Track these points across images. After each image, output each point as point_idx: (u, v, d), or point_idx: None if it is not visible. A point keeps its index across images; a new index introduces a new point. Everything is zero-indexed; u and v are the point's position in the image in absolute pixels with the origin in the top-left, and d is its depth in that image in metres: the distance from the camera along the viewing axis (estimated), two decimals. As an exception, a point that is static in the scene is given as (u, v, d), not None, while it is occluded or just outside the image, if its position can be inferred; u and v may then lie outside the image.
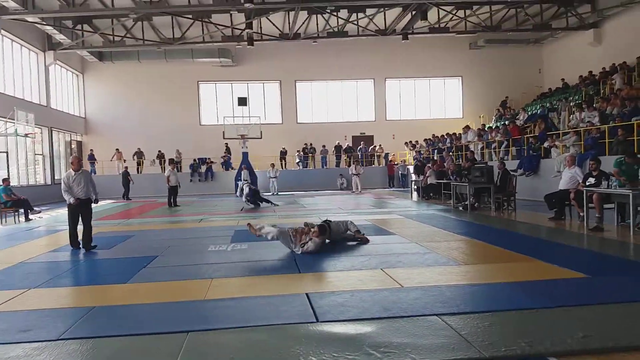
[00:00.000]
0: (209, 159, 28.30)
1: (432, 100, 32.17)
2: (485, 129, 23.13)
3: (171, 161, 21.62)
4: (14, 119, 19.66)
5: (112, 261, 7.67)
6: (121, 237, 10.03)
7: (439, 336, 3.83)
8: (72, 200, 8.47)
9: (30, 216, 14.69)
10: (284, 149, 29.01)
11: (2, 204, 14.24)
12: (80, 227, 8.66)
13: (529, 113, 23.13)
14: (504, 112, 27.16)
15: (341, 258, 7.08)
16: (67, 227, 8.78)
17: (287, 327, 4.20)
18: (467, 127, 23.70)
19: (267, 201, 17.14)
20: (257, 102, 30.93)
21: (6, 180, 15.06)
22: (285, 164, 29.09)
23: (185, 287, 5.80)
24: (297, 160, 29.36)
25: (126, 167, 25.10)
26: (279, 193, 24.64)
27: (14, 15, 19.83)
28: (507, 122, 21.78)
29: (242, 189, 16.57)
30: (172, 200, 18.00)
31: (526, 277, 5.70)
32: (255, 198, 16.64)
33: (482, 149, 21.24)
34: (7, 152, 20.93)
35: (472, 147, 21.55)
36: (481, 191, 13.83)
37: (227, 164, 28.52)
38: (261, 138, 25.93)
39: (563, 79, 26.02)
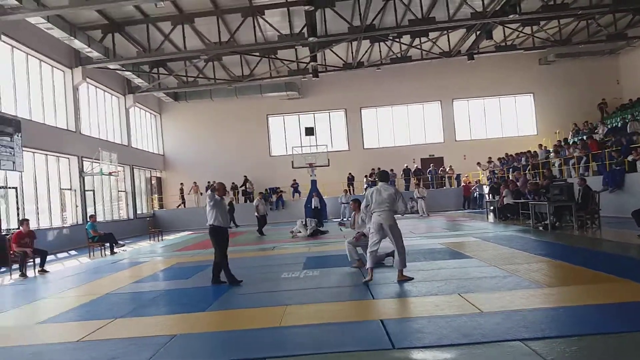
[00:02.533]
0: (279, 188, 28.88)
1: (504, 118, 31.21)
2: (562, 145, 22.08)
3: (260, 193, 22.19)
4: (99, 159, 21.10)
5: (192, 290, 7.92)
6: (200, 267, 10.35)
7: (524, 362, 3.65)
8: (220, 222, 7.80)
9: (115, 249, 15.53)
10: (350, 174, 29.04)
11: (89, 239, 15.18)
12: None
13: (609, 126, 21.89)
14: (602, 116, 26.06)
15: (416, 283, 6.94)
16: (213, 259, 8.13)
17: (362, 353, 4.16)
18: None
19: (323, 232, 17.18)
20: (323, 131, 31.34)
21: (93, 217, 16.06)
22: (354, 190, 29.05)
23: (261, 314, 5.89)
24: (365, 185, 29.22)
25: (232, 199, 26.50)
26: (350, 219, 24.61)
27: (98, 64, 21.49)
28: (585, 137, 20.73)
29: (305, 224, 16.83)
30: (262, 228, 18.49)
31: (615, 298, 5.33)
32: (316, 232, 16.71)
33: (560, 165, 20.26)
34: (93, 190, 22.41)
35: (555, 163, 20.61)
36: (562, 210, 13.15)
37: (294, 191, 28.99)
38: (328, 165, 26.17)
39: (645, 89, 24.49)
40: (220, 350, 4.63)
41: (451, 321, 4.89)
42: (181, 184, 29.50)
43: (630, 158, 15.34)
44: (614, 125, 21.82)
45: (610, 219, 13.87)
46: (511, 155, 25.93)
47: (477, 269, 7.73)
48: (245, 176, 29.16)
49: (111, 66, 22.66)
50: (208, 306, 6.50)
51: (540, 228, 13.25)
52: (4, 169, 15.61)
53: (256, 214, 18.65)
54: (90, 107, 23.37)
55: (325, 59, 25.28)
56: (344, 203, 25.04)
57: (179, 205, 29.61)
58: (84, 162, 21.23)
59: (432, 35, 22.96)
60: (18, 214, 16.21)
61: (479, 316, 5.01)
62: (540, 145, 24.06)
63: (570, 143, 21.67)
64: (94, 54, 20.54)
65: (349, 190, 28.61)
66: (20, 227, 11.86)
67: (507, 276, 6.96)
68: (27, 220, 12.26)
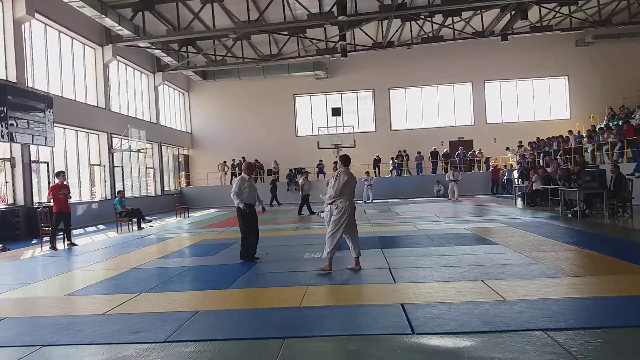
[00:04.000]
0: (304, 169, 28.85)
1: (536, 101, 30.45)
2: (597, 129, 21.42)
3: (305, 172, 21.84)
4: (128, 136, 21.43)
5: (216, 267, 8.01)
6: (224, 245, 10.48)
7: (545, 352, 3.58)
8: (242, 205, 8.14)
9: (143, 225, 15.82)
10: (377, 156, 28.85)
11: (117, 214, 15.50)
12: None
13: (647, 111, 21.08)
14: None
15: (438, 268, 6.87)
16: (240, 237, 8.46)
17: (381, 337, 4.14)
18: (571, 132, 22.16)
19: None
20: (351, 112, 31.16)
21: (121, 192, 16.38)
22: (379, 172, 28.90)
23: (282, 294, 5.93)
24: (391, 167, 29.02)
25: (274, 179, 26.98)
26: (374, 201, 24.48)
27: (128, 42, 21.68)
28: (620, 122, 20.05)
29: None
30: (303, 207, 18.35)
31: (646, 291, 5.17)
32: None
33: (592, 151, 19.70)
34: (122, 166, 22.83)
35: (588, 149, 20.03)
36: (592, 197, 12.83)
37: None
38: (354, 146, 26.02)
39: (687, 72, 23.49)
40: (241, 328, 4.68)
41: (473, 308, 4.82)
42: (224, 162, 29.68)
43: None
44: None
45: (643, 208, 13.47)
46: (542, 139, 25.34)
47: (503, 255, 7.61)
48: (243, 157, 28.62)
49: (141, 44, 22.82)
50: (231, 284, 6.57)
51: (570, 215, 12.97)
52: (36, 144, 16.00)
53: (301, 192, 18.59)
54: (120, 85, 23.67)
55: (354, 38, 24.96)
56: (367, 185, 24.84)
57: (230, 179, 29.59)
58: (113, 139, 21.60)
59: (465, 14, 22.44)
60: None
61: (502, 304, 4.92)
62: (571, 131, 23.41)
63: (605, 128, 21.01)
64: (124, 32, 20.72)
65: (375, 172, 28.49)
66: (56, 179, 11.98)
67: (532, 264, 6.83)
68: (63, 172, 12.26)
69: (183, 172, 31.06)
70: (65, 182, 12.15)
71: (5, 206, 15.01)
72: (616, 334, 3.94)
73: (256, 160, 28.95)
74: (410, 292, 5.65)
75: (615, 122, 21.36)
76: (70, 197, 12.09)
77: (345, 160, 7.29)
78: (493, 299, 5.13)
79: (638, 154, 16.24)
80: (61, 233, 11.81)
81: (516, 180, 21.96)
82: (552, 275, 6.06)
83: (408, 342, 4.01)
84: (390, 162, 29.07)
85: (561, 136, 23.65)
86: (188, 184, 31.00)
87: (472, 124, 30.48)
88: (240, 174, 8.56)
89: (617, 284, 5.57)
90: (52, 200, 11.61)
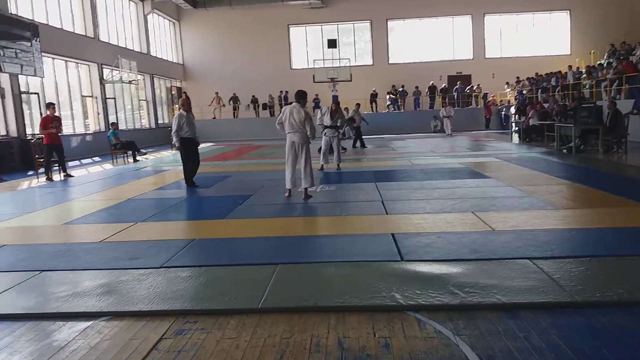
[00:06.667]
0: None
1: (536, 36, 29.74)
2: (596, 66, 21.09)
3: (357, 104, 20.07)
4: (119, 67, 20.94)
5: (212, 199, 8.12)
6: (220, 177, 10.56)
7: (529, 279, 3.70)
8: (177, 144, 9.02)
9: (138, 157, 15.83)
10: (374, 91, 28.46)
11: (112, 146, 15.45)
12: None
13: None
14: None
15: (430, 201, 6.97)
16: (181, 167, 9.55)
17: (371, 264, 4.26)
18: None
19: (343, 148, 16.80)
20: (347, 44, 30.42)
21: (114, 124, 16.23)
22: (377, 107, 28.62)
23: (276, 224, 6.05)
24: (388, 102, 28.68)
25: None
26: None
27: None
28: (621, 58, 19.70)
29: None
30: (358, 141, 17.53)
31: (631, 223, 5.31)
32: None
33: (591, 87, 19.50)
34: (114, 98, 22.46)
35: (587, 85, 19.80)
36: (588, 133, 12.84)
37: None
38: (351, 80, 25.61)
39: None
40: (236, 255, 4.80)
41: (462, 238, 4.94)
42: (216, 93, 29.02)
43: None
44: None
45: (637, 144, 13.52)
46: (541, 75, 25.02)
47: (495, 189, 7.70)
48: (216, 92, 28.70)
49: (129, -31, 21.88)
50: (227, 214, 6.66)
51: (565, 151, 13.04)
52: (25, 74, 15.67)
53: (354, 124, 17.57)
54: (108, 13, 22.86)
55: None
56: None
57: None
58: (104, 70, 21.13)
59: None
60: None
61: (490, 234, 5.04)
62: (570, 67, 23.03)
63: (605, 64, 20.67)
64: (111, -44, 19.77)
65: (372, 107, 28.24)
66: (47, 111, 11.88)
67: (523, 197, 6.93)
68: (53, 104, 12.15)
69: (176, 105, 30.64)
70: (56, 114, 12.01)
71: (-2, 137, 14.92)
72: (599, 263, 4.06)
73: (253, 95, 28.57)
74: (401, 222, 5.76)
75: (616, 57, 20.96)
76: (62, 130, 11.97)
77: (297, 95, 7.53)
78: (482, 229, 5.25)
79: (636, 91, 16.10)
80: (56, 165, 11.81)
81: (513, 116, 21.87)
82: (542, 208, 6.16)
83: (396, 267, 4.14)
84: (387, 97, 28.71)
85: (560, 72, 23.34)
86: (182, 117, 30.57)
87: (471, 58, 29.89)
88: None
89: (605, 216, 5.68)
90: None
